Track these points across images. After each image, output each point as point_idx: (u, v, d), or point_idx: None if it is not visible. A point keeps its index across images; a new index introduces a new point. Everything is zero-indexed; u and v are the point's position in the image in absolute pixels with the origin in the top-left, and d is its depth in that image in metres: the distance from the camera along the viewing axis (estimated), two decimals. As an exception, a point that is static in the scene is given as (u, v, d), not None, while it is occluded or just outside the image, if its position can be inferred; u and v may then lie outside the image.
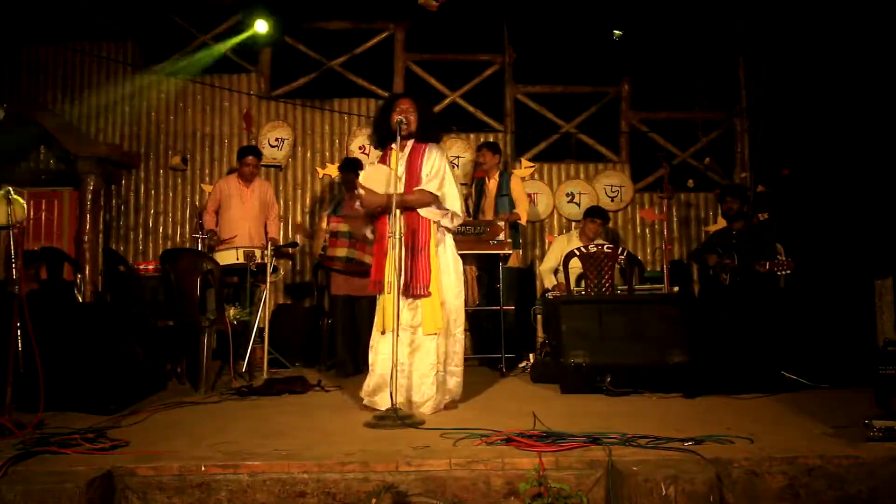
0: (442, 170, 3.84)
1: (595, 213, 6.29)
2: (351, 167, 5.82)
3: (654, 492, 2.36)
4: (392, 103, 3.92)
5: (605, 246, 5.50)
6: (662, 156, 6.30)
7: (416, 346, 3.76)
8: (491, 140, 6.85)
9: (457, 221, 3.90)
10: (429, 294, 3.73)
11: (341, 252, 4.95)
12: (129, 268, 6.48)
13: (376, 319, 3.87)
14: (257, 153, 6.29)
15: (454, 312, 3.88)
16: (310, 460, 2.56)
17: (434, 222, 3.82)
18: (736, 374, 4.11)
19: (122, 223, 7.30)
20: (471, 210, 6.33)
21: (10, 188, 3.42)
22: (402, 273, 3.69)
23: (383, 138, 3.91)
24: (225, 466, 2.52)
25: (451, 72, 7.56)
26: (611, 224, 7.43)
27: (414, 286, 3.72)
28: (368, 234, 3.99)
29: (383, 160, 3.90)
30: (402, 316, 3.64)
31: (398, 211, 3.67)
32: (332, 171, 7.18)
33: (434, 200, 3.80)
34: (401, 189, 3.78)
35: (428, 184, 3.79)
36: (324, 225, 5.00)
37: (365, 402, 3.82)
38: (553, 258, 6.22)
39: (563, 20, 7.05)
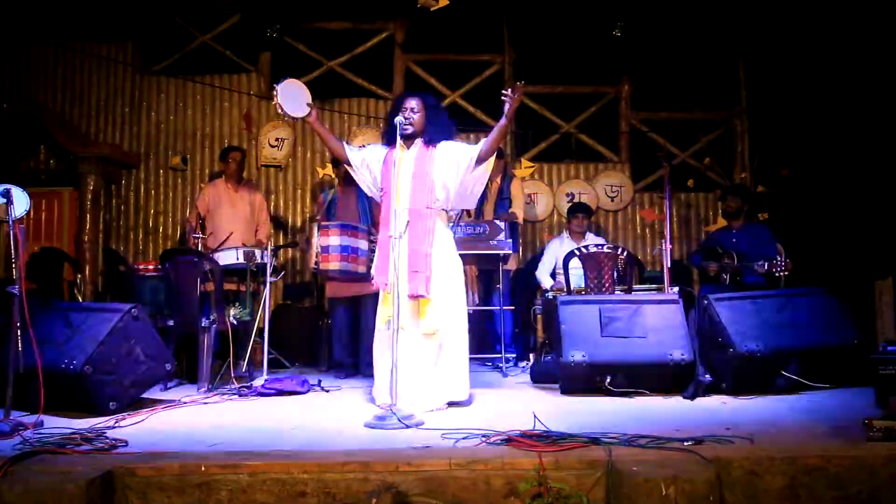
0: (456, 148, 3.88)
1: (577, 209, 6.36)
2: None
3: (654, 492, 2.36)
4: (400, 102, 3.91)
5: (606, 246, 5.50)
6: (662, 156, 6.29)
7: (416, 345, 3.76)
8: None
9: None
10: (428, 295, 3.73)
11: (334, 265, 4.94)
12: (129, 268, 6.48)
13: (378, 317, 3.87)
14: (240, 149, 6.27)
15: (455, 312, 3.87)
16: (310, 460, 2.56)
17: (434, 221, 3.82)
18: (737, 374, 4.11)
19: (122, 223, 7.30)
20: (471, 212, 6.33)
21: (11, 186, 3.42)
22: (404, 273, 3.70)
23: (391, 138, 3.88)
24: (225, 466, 2.52)
25: (451, 72, 7.55)
26: (611, 224, 7.45)
27: (414, 286, 3.72)
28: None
29: (387, 159, 3.89)
30: (402, 315, 3.63)
31: (400, 211, 3.67)
32: (331, 170, 7.19)
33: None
34: (407, 190, 3.78)
35: (472, 147, 3.84)
36: (314, 239, 4.98)
37: (375, 402, 3.82)
38: (548, 260, 6.24)
39: (563, 20, 7.05)
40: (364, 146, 4.14)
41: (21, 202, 3.42)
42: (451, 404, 3.84)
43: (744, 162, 7.38)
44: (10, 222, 3.39)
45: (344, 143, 4.17)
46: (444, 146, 3.87)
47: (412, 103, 3.87)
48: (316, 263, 4.98)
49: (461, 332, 3.91)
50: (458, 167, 3.83)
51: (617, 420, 3.29)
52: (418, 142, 3.89)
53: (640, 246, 7.41)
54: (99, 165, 6.87)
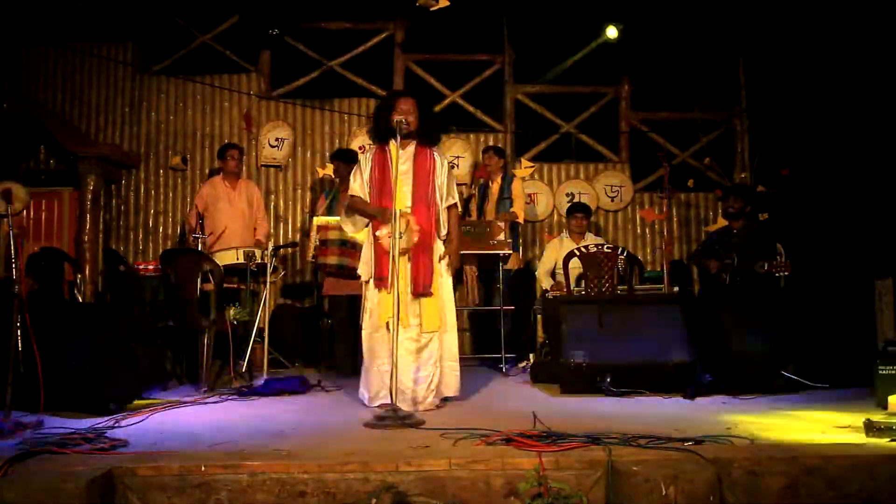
0: (450, 179, 3.99)
1: (577, 209, 6.36)
2: (344, 157, 5.79)
3: (654, 492, 2.36)
4: (393, 102, 3.90)
5: (605, 246, 5.50)
6: (662, 156, 6.30)
7: (417, 344, 3.77)
8: (492, 142, 6.88)
9: None
10: (431, 293, 3.75)
11: (332, 260, 4.95)
12: (129, 268, 6.48)
13: (374, 318, 3.86)
14: (238, 146, 6.28)
15: (449, 309, 3.91)
16: (310, 460, 2.56)
17: (433, 220, 3.85)
18: (737, 374, 4.11)
19: (122, 223, 7.30)
20: (472, 212, 6.34)
21: (11, 184, 3.42)
22: (406, 272, 3.71)
23: (383, 136, 3.89)
24: (225, 466, 2.52)
25: (451, 72, 7.56)
26: (611, 224, 7.45)
27: (419, 285, 3.73)
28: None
29: (382, 158, 3.89)
30: (402, 314, 3.63)
31: (400, 210, 3.67)
32: (332, 171, 7.18)
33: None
34: (406, 188, 3.80)
35: (453, 204, 4.02)
36: (313, 234, 4.99)
37: (372, 402, 3.83)
38: (548, 260, 6.24)
39: (563, 20, 7.05)
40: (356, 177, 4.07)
41: (21, 198, 3.42)
42: (444, 400, 3.89)
43: (744, 162, 7.39)
44: (10, 223, 3.40)
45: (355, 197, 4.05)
46: (446, 168, 3.96)
47: (406, 105, 3.87)
48: (314, 257, 5.01)
49: (453, 328, 3.96)
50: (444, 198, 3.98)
51: (617, 420, 3.28)
52: (413, 142, 3.91)
53: (640, 246, 7.41)
54: (99, 165, 6.86)
